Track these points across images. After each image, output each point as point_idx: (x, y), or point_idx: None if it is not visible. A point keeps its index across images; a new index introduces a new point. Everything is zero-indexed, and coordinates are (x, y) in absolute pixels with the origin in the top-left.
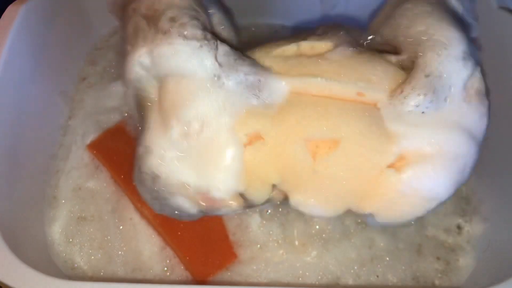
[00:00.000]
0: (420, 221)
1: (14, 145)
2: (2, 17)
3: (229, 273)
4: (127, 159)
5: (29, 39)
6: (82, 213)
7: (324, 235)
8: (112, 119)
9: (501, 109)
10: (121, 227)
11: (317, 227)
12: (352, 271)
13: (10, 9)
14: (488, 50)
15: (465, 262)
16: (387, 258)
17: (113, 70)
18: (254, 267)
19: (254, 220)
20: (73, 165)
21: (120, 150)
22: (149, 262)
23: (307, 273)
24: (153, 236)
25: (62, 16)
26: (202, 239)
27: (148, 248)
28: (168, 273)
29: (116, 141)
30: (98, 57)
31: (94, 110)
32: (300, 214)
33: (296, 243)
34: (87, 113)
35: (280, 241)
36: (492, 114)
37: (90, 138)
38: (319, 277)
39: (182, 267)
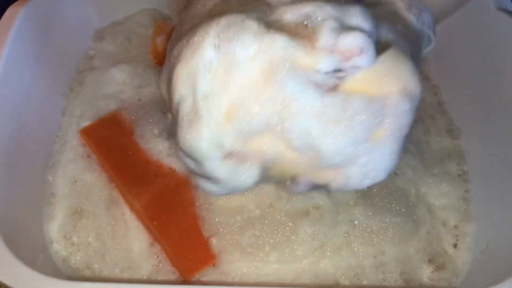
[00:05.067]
0: (418, 221)
1: (13, 144)
2: (2, 18)
3: (217, 275)
4: (119, 149)
5: (29, 40)
6: (78, 209)
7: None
8: (108, 106)
9: (499, 110)
10: (113, 223)
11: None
12: (352, 275)
13: (10, 11)
14: (487, 51)
15: (463, 263)
16: (391, 262)
17: (115, 51)
18: (245, 270)
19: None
20: (70, 156)
21: (113, 140)
22: (138, 260)
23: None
24: (142, 232)
25: (62, 16)
26: (190, 235)
27: (138, 245)
28: (156, 270)
29: (110, 130)
30: (102, 41)
31: (92, 95)
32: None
33: (295, 247)
34: (85, 97)
35: (273, 244)
36: (490, 115)
37: (86, 123)
38: (313, 279)
39: (170, 264)
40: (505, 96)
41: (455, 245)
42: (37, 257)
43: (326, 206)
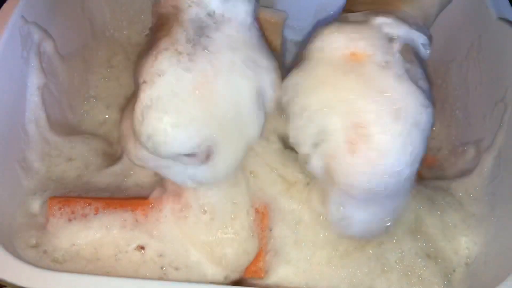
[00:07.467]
0: (417, 222)
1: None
2: None
3: None
4: None
5: None
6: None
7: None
8: None
9: (501, 120)
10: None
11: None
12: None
13: (7, 4)
14: (488, 61)
15: (462, 265)
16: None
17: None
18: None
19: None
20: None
21: None
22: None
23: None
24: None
25: (61, 10)
26: None
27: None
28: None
29: None
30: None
31: None
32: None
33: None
34: None
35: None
36: (491, 124)
37: None
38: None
39: None
40: (507, 105)
41: (454, 248)
42: (29, 249)
43: None
